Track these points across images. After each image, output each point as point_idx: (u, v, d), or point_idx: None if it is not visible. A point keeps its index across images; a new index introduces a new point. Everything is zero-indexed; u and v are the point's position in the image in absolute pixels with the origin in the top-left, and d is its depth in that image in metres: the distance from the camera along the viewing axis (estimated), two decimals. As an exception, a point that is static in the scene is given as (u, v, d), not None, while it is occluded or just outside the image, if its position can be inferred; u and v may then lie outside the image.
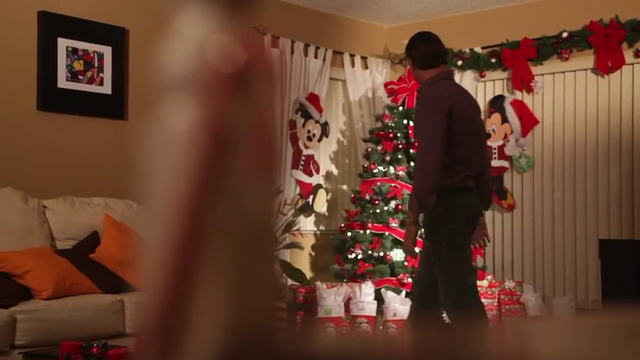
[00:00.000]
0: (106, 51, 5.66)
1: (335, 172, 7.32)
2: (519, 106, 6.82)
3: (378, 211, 6.25)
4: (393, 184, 6.31)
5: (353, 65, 7.32)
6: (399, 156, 6.38)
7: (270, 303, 1.76)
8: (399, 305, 5.74)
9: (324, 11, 7.13)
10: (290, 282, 6.27)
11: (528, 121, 6.79)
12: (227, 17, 1.72)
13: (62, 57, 5.44)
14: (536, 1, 6.81)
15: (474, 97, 7.05)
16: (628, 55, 6.31)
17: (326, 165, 7.23)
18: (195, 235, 1.58)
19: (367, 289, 5.92)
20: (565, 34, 6.53)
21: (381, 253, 6.13)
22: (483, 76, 7.04)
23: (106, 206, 5.21)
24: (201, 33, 1.68)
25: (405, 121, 6.44)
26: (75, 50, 5.50)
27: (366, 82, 7.37)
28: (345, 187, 7.31)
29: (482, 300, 6.07)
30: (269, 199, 1.75)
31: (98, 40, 5.61)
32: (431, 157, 4.03)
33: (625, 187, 6.32)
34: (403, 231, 6.01)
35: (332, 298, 5.84)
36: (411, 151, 6.35)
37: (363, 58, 7.43)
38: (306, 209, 6.92)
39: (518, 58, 6.78)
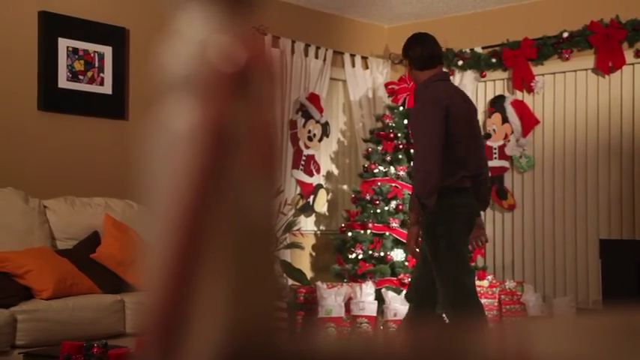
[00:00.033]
0: (107, 51, 5.66)
1: (335, 172, 7.32)
2: (520, 106, 6.82)
3: (378, 211, 6.25)
4: (393, 184, 6.31)
5: (353, 65, 7.32)
6: (400, 156, 6.38)
7: (270, 303, 1.76)
8: (400, 305, 5.74)
9: (325, 11, 7.13)
10: (290, 282, 6.27)
11: (529, 121, 6.78)
12: (228, 17, 1.72)
13: (63, 57, 5.44)
14: (536, 1, 6.81)
15: (475, 97, 7.11)
16: (628, 55, 6.31)
17: (326, 165, 7.23)
18: (196, 235, 1.58)
19: (368, 289, 5.92)
20: (565, 34, 6.53)
21: (382, 253, 6.13)
22: (484, 76, 7.04)
23: (106, 206, 5.22)
24: (202, 33, 1.68)
25: (406, 121, 6.44)
26: (75, 50, 5.50)
27: (367, 82, 7.37)
28: (345, 187, 7.31)
29: (483, 300, 6.11)
30: (270, 199, 1.75)
31: (99, 40, 5.62)
32: (431, 157, 4.03)
33: (625, 187, 6.32)
34: (404, 231, 6.02)
35: (332, 298, 5.84)
36: (412, 151, 6.34)
37: (364, 58, 7.43)
38: (307, 209, 6.92)
39: (518, 58, 6.78)
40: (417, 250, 4.21)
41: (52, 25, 5.38)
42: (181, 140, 1.61)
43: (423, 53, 4.29)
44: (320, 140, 7.00)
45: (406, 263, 6.08)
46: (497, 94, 7.00)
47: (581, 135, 6.55)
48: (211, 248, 1.61)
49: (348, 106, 7.39)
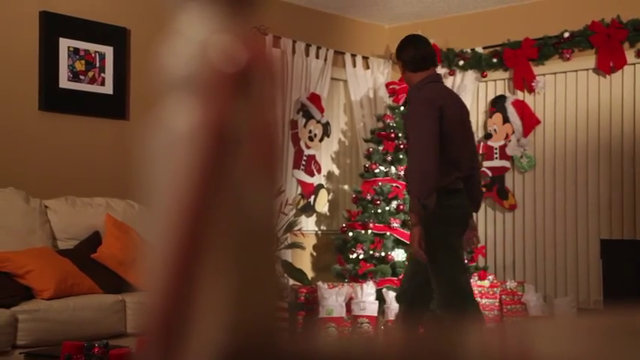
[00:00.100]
0: (108, 51, 5.66)
1: (336, 172, 7.32)
2: (521, 106, 6.82)
3: (379, 211, 6.25)
4: (394, 184, 6.31)
5: (354, 65, 7.32)
6: (401, 156, 6.38)
7: (271, 303, 1.76)
8: (401, 305, 5.74)
9: (326, 11, 7.13)
10: (291, 282, 6.27)
11: (530, 121, 6.78)
12: (228, 17, 1.72)
13: (64, 57, 5.44)
14: (537, 1, 6.81)
15: (476, 97, 7.11)
16: (629, 55, 6.31)
17: (327, 165, 7.23)
18: (197, 235, 1.58)
19: (369, 289, 5.92)
20: (566, 34, 6.53)
21: (383, 253, 6.13)
22: (485, 76, 7.04)
23: (107, 206, 5.22)
24: (203, 33, 1.68)
25: (407, 121, 6.45)
26: (76, 50, 5.50)
27: (368, 82, 7.37)
28: (346, 187, 7.31)
29: (484, 300, 6.13)
30: (271, 199, 1.75)
31: (100, 40, 5.62)
32: (427, 158, 4.06)
33: (626, 187, 6.32)
34: (404, 231, 6.02)
35: (333, 298, 5.84)
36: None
37: (365, 58, 7.42)
38: (308, 209, 6.92)
39: (519, 58, 6.78)
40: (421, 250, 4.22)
41: (53, 25, 5.39)
42: (182, 140, 1.61)
43: (416, 55, 4.32)
44: (321, 140, 7.00)
45: (407, 263, 6.08)
46: (498, 94, 7.00)
47: (582, 135, 6.54)
48: (212, 248, 1.61)
49: (349, 106, 7.39)
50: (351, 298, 5.92)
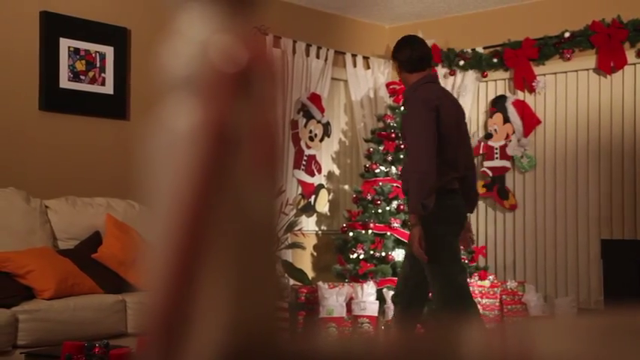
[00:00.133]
0: (108, 51, 5.66)
1: (337, 172, 7.32)
2: (521, 106, 6.82)
3: (379, 211, 6.25)
4: (394, 184, 6.31)
5: (355, 65, 7.32)
6: (401, 156, 6.38)
7: (272, 303, 1.76)
8: (401, 305, 5.74)
9: (326, 11, 7.13)
10: (292, 282, 6.27)
11: (530, 121, 6.78)
12: (229, 17, 1.72)
13: (64, 57, 5.44)
14: (538, 1, 6.81)
15: (476, 97, 7.12)
16: (630, 55, 6.31)
17: (328, 165, 7.23)
18: (198, 235, 1.58)
19: (369, 289, 5.92)
20: (567, 34, 6.53)
21: (383, 253, 6.13)
22: (485, 76, 7.04)
23: (108, 206, 5.22)
24: (204, 33, 1.68)
25: (407, 121, 6.44)
26: (77, 50, 5.50)
27: (368, 82, 7.37)
28: (346, 187, 7.31)
29: (484, 300, 6.12)
30: (271, 199, 1.75)
31: (100, 40, 5.62)
32: (426, 158, 4.07)
33: (627, 187, 6.32)
34: (405, 231, 6.02)
35: (334, 298, 5.84)
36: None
37: (365, 58, 7.42)
38: (308, 209, 6.92)
39: (520, 58, 6.78)
40: (422, 250, 4.23)
41: (54, 25, 5.39)
42: (183, 140, 1.61)
43: (412, 56, 4.33)
44: (321, 140, 7.00)
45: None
46: (498, 94, 7.00)
47: (583, 135, 6.54)
48: (213, 248, 1.61)
49: (350, 106, 7.39)
50: (351, 298, 5.92)
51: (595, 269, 6.34)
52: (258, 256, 1.70)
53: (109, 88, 5.66)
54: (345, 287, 5.93)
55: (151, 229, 1.70)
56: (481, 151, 6.98)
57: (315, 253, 7.05)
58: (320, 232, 7.11)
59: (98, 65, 5.61)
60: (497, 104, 6.95)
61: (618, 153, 6.36)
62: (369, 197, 6.34)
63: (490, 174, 6.92)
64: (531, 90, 6.78)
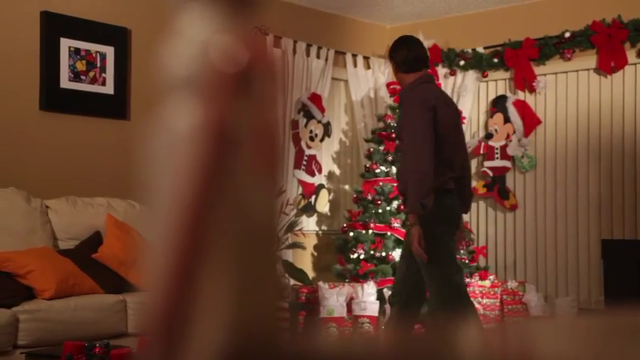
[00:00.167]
0: (109, 51, 5.66)
1: (337, 172, 7.32)
2: (522, 106, 6.82)
3: (380, 211, 6.25)
4: (395, 184, 6.31)
5: (355, 65, 7.32)
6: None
7: (272, 303, 1.76)
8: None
9: (327, 11, 7.13)
10: (292, 282, 6.27)
11: (531, 121, 6.78)
12: (229, 17, 1.72)
13: (65, 57, 5.44)
14: (538, 1, 6.80)
15: (477, 97, 7.11)
16: (631, 55, 6.31)
17: (328, 165, 7.23)
18: (198, 235, 1.58)
19: (369, 289, 5.92)
20: (567, 34, 6.52)
21: (383, 253, 6.13)
22: (486, 76, 7.04)
23: (108, 206, 5.22)
24: (204, 33, 1.68)
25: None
26: (77, 50, 5.51)
27: (369, 82, 7.37)
28: (347, 187, 7.31)
29: (485, 300, 6.12)
30: (272, 199, 1.75)
31: (101, 40, 5.62)
32: (424, 158, 4.08)
33: (627, 187, 6.32)
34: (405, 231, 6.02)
35: (334, 298, 5.84)
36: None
37: (366, 58, 7.42)
38: (309, 209, 6.92)
39: (520, 58, 6.78)
40: (422, 249, 4.24)
41: (54, 25, 5.39)
42: (183, 140, 1.61)
43: (408, 56, 4.34)
44: (322, 140, 7.00)
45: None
46: (499, 94, 7.00)
47: (583, 135, 6.54)
48: (213, 248, 1.61)
49: (350, 106, 7.39)
50: (351, 298, 5.92)
51: (595, 269, 6.34)
52: (259, 256, 1.70)
53: (109, 88, 5.66)
54: (345, 287, 5.93)
55: (152, 229, 1.70)
56: (482, 151, 6.98)
57: (315, 253, 7.05)
58: (320, 232, 7.11)
59: (99, 65, 5.61)
60: (498, 104, 6.95)
61: (619, 153, 6.36)
62: (370, 197, 6.34)
63: (490, 174, 6.92)
64: (532, 90, 6.78)
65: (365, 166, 6.60)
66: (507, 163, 6.89)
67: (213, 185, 1.59)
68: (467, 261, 6.29)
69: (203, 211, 1.58)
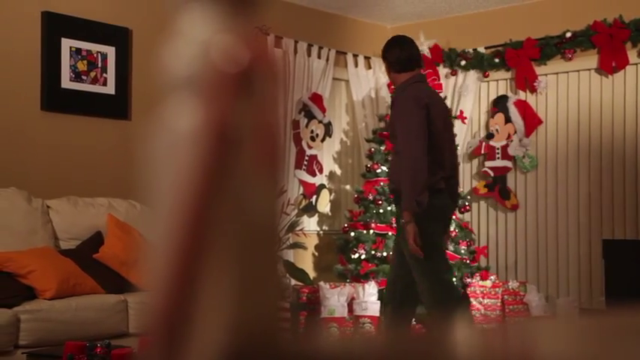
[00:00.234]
0: (110, 51, 5.66)
1: (338, 172, 7.32)
2: (523, 106, 6.82)
3: (381, 211, 6.25)
4: (396, 184, 6.31)
5: (356, 65, 7.32)
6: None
7: (273, 303, 1.76)
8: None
9: (328, 11, 7.13)
10: (293, 282, 6.27)
11: (532, 121, 6.78)
12: (230, 17, 1.72)
13: (66, 57, 5.44)
14: (539, 1, 6.80)
15: (478, 97, 7.11)
16: (632, 55, 6.31)
17: (329, 165, 7.23)
18: (199, 235, 1.58)
19: (370, 289, 5.92)
20: (569, 34, 6.52)
21: (384, 253, 6.12)
22: (487, 76, 7.04)
23: (109, 206, 5.22)
24: (205, 33, 1.68)
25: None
26: (78, 50, 5.51)
27: (370, 82, 7.37)
28: (348, 187, 7.31)
29: (486, 300, 6.12)
30: (273, 199, 1.75)
31: (102, 40, 5.62)
32: (419, 156, 4.10)
33: (629, 188, 6.32)
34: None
35: (335, 298, 5.84)
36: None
37: (367, 58, 7.42)
38: (310, 209, 6.92)
39: (521, 58, 6.78)
40: (417, 246, 4.25)
41: (55, 26, 5.39)
42: (184, 140, 1.61)
43: (401, 56, 4.37)
44: (323, 140, 7.00)
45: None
46: (500, 94, 6.99)
47: (584, 135, 6.54)
48: (214, 248, 1.61)
49: (351, 106, 7.39)
50: (352, 298, 5.92)
51: (597, 269, 6.34)
52: (260, 256, 1.70)
53: (110, 89, 5.66)
54: (346, 287, 5.93)
55: (153, 229, 1.70)
56: (483, 151, 6.98)
57: (316, 253, 7.05)
58: (321, 232, 7.11)
59: (100, 65, 5.62)
60: (499, 104, 6.94)
61: (620, 153, 6.36)
62: (371, 197, 6.34)
63: (492, 174, 6.92)
64: (533, 90, 6.78)
65: (366, 166, 6.60)
66: (508, 163, 6.89)
67: (215, 185, 1.59)
68: (468, 261, 6.29)
69: (204, 211, 1.58)
